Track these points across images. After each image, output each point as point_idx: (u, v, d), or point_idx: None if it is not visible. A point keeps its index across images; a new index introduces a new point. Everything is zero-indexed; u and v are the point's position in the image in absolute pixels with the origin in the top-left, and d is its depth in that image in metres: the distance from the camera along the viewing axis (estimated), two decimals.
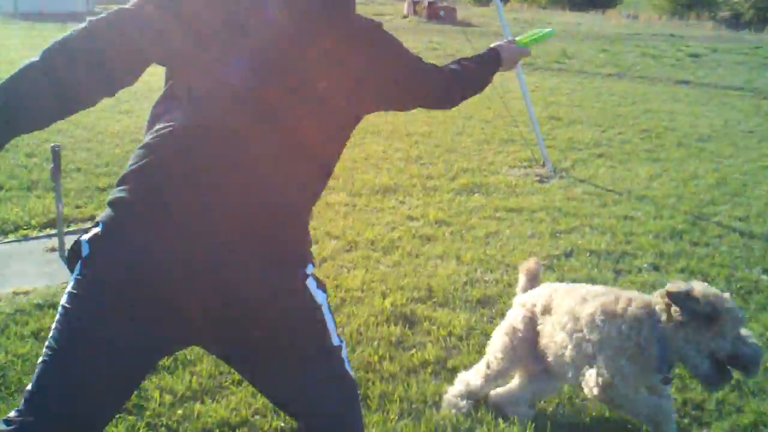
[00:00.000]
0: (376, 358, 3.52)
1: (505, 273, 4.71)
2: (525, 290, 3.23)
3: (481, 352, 3.56)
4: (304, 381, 1.83)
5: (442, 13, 30.85)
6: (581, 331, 2.77)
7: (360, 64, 1.85)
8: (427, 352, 3.61)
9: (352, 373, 1.93)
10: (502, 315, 3.95)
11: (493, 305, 4.23)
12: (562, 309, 2.87)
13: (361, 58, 1.86)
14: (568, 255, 5.13)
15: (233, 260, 1.64)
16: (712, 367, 2.54)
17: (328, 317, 1.84)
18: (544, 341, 2.94)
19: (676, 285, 2.59)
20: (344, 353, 1.89)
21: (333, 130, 1.88)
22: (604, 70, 17.67)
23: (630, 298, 2.76)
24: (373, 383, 3.28)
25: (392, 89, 1.98)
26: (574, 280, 4.55)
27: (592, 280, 4.58)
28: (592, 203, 6.43)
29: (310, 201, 1.88)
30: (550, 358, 2.92)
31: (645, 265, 4.93)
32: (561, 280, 4.57)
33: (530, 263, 3.28)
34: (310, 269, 1.81)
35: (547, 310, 2.96)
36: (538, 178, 7.31)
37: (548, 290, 3.07)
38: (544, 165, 7.69)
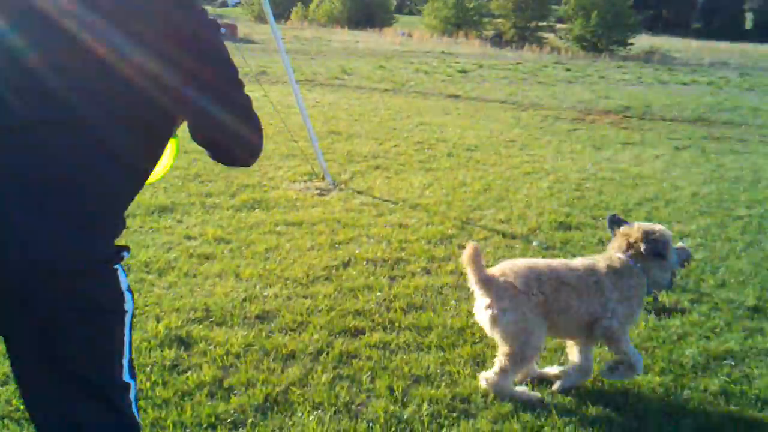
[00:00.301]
0: (147, 384, 3.61)
1: (284, 287, 4.99)
2: (481, 274, 3.58)
3: (259, 367, 3.82)
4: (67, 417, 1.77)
5: (223, 30, 30.72)
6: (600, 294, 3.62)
7: (176, 56, 1.84)
8: (203, 372, 3.75)
9: (138, 418, 1.89)
10: (281, 329, 4.26)
11: (271, 320, 4.47)
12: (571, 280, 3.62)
13: (178, 51, 1.86)
14: (346, 265, 5.53)
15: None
16: (670, 278, 3.74)
17: (126, 337, 1.82)
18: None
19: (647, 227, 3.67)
20: (133, 393, 1.87)
21: (136, 124, 1.86)
22: (381, 85, 18.80)
23: (604, 260, 3.71)
24: (145, 411, 3.36)
25: (205, 88, 1.92)
26: (351, 290, 4.98)
27: (369, 288, 5.03)
28: (370, 213, 6.95)
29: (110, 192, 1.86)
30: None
31: (418, 270, 5.47)
32: (339, 290, 4.97)
33: (470, 250, 3.57)
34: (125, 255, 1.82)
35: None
36: (318, 191, 7.72)
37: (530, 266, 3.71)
38: (323, 178, 8.13)
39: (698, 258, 5.90)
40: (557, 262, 3.86)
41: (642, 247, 3.59)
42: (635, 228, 3.69)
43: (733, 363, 4.13)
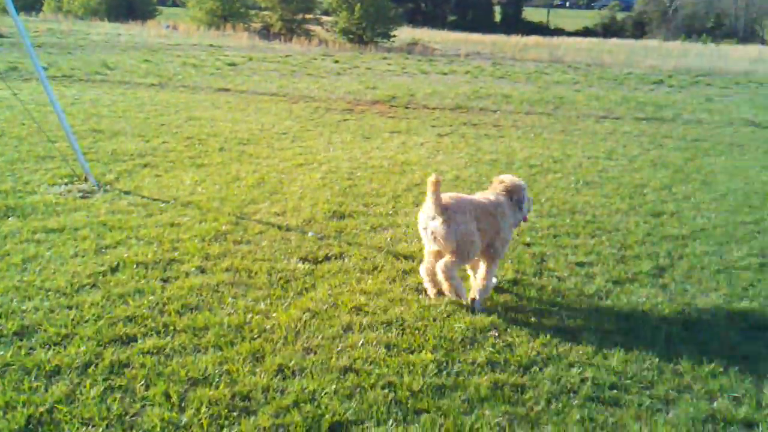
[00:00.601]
0: None
1: (46, 298, 4.63)
2: (439, 200, 4.69)
3: (19, 388, 3.52)
4: None
5: None
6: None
7: None
8: None
9: None
10: (43, 344, 3.95)
11: (31, 335, 4.13)
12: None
13: None
14: (114, 270, 5.24)
15: None
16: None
17: None
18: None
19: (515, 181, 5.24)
20: None
21: None
22: (146, 80, 17.97)
23: (497, 197, 5.13)
24: None
25: None
26: (121, 295, 4.73)
27: (140, 292, 4.81)
28: (139, 214, 6.63)
29: None
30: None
31: (192, 270, 5.32)
32: (107, 297, 4.70)
33: (434, 179, 4.64)
34: None
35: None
36: (81, 194, 7.23)
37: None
38: (86, 180, 7.63)
39: None
40: (477, 197, 5.14)
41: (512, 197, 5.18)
42: (507, 179, 5.26)
43: (496, 334, 4.45)
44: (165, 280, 5.12)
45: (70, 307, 4.54)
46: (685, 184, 8.75)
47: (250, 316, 4.54)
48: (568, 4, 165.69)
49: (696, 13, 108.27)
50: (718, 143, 12.35)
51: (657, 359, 4.19)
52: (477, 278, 5.02)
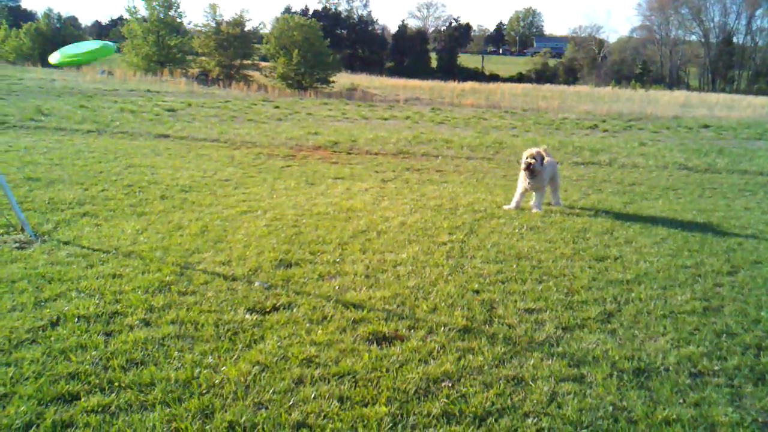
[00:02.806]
0: None
1: None
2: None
3: None
4: None
5: None
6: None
7: None
8: None
9: None
10: None
11: None
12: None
13: None
14: (55, 324, 5.03)
15: None
16: None
17: None
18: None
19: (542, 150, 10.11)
20: None
21: None
22: (83, 126, 17.65)
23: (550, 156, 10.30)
24: None
25: None
26: (62, 351, 4.54)
27: (83, 347, 4.62)
28: (79, 265, 6.41)
29: None
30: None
31: (136, 322, 5.14)
32: (48, 353, 4.50)
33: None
34: None
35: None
36: (17, 245, 6.97)
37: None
38: (23, 230, 7.37)
39: (411, 285, 6.28)
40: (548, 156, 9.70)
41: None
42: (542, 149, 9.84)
43: (450, 384, 4.42)
44: (108, 334, 4.93)
45: (8, 365, 4.33)
46: (625, 229, 8.94)
47: (198, 370, 4.40)
48: (501, 50, 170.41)
49: (624, 60, 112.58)
50: (655, 187, 12.73)
51: (611, 408, 4.21)
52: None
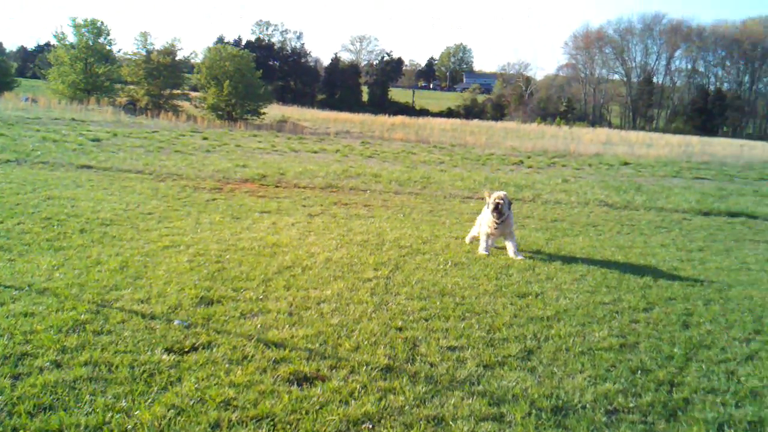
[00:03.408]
0: None
1: None
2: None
3: None
4: None
5: None
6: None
7: None
8: None
9: None
10: None
11: None
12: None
13: None
14: None
15: None
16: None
17: None
18: None
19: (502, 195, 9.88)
20: None
21: None
22: (1, 156, 17.06)
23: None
24: None
25: None
26: None
27: None
28: None
29: None
30: None
31: (47, 364, 4.94)
32: None
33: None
34: None
35: None
36: None
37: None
38: None
39: (334, 323, 6.23)
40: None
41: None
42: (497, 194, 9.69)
43: (371, 425, 4.38)
44: (15, 377, 4.72)
45: None
46: (547, 265, 9.11)
47: (110, 415, 4.25)
48: (432, 85, 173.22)
49: (550, 97, 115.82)
50: (576, 223, 13.05)
51: None
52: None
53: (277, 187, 15.57)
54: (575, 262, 9.45)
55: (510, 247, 9.70)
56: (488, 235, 9.77)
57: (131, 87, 51.68)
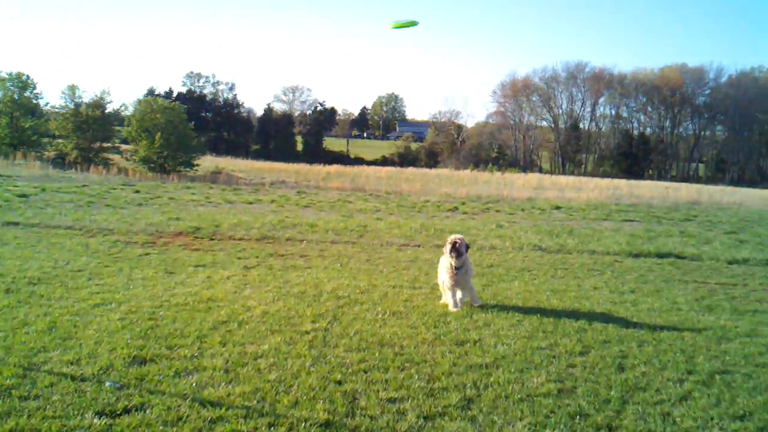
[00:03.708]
0: None
1: None
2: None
3: None
4: None
5: None
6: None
7: None
8: None
9: None
10: None
11: None
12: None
13: None
14: None
15: None
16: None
17: None
18: None
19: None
20: None
21: None
22: None
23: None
24: None
25: None
26: None
27: None
28: None
29: None
30: None
31: None
32: None
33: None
34: None
35: None
36: None
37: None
38: None
39: (272, 378, 6.13)
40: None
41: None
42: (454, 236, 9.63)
43: None
44: None
45: None
46: (484, 311, 9.19)
47: None
48: (365, 134, 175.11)
49: (481, 144, 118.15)
50: (511, 268, 13.22)
51: None
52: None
53: (211, 239, 15.37)
54: (512, 307, 9.55)
55: (464, 295, 9.58)
56: (451, 287, 9.43)
57: (60, 141, 50.60)
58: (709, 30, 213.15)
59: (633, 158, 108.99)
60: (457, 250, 9.39)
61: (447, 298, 9.57)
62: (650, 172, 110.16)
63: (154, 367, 6.34)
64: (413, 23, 7.82)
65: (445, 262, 9.58)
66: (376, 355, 7.04)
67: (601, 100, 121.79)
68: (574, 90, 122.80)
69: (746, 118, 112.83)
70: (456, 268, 9.39)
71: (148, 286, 9.88)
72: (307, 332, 7.79)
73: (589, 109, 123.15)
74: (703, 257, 15.65)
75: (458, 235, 9.71)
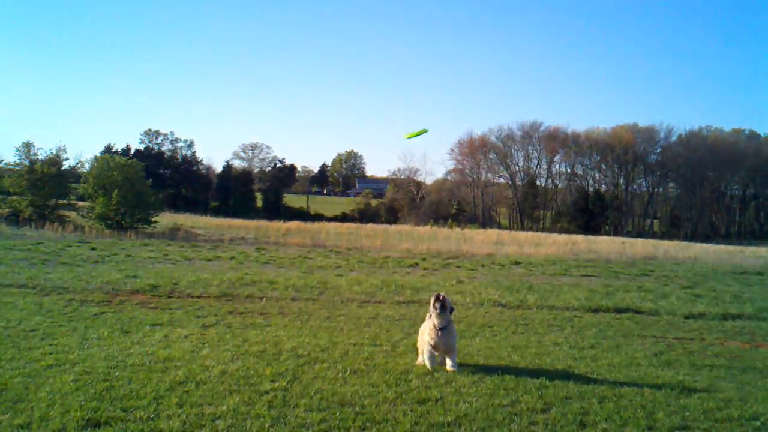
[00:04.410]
0: None
1: None
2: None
3: None
4: None
5: None
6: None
7: None
8: None
9: None
10: None
11: None
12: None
13: None
14: None
15: None
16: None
17: None
18: None
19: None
20: None
21: None
22: None
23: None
24: None
25: None
26: None
27: None
28: None
29: None
30: None
31: None
32: None
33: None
34: None
35: None
36: None
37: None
38: None
39: None
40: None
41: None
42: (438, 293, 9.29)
43: None
44: None
45: None
46: (445, 369, 9.15)
47: None
48: (325, 191, 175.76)
49: (441, 200, 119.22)
50: (472, 324, 13.24)
51: None
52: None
53: (169, 297, 15.14)
54: (473, 364, 9.54)
55: (448, 362, 9.17)
56: (431, 347, 9.10)
57: (14, 198, 49.74)
58: (659, 91, 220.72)
59: (589, 214, 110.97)
60: (442, 302, 9.09)
61: (425, 358, 9.21)
62: (606, 227, 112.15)
63: (109, 430, 6.18)
64: (424, 131, 9.79)
65: (429, 323, 9.26)
66: (337, 414, 6.95)
67: (557, 158, 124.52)
68: (529, 148, 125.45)
69: (697, 176, 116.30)
70: (440, 328, 9.06)
71: (103, 346, 9.67)
72: (267, 392, 7.67)
73: (545, 166, 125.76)
74: (660, 312, 15.88)
75: (441, 294, 9.32)
